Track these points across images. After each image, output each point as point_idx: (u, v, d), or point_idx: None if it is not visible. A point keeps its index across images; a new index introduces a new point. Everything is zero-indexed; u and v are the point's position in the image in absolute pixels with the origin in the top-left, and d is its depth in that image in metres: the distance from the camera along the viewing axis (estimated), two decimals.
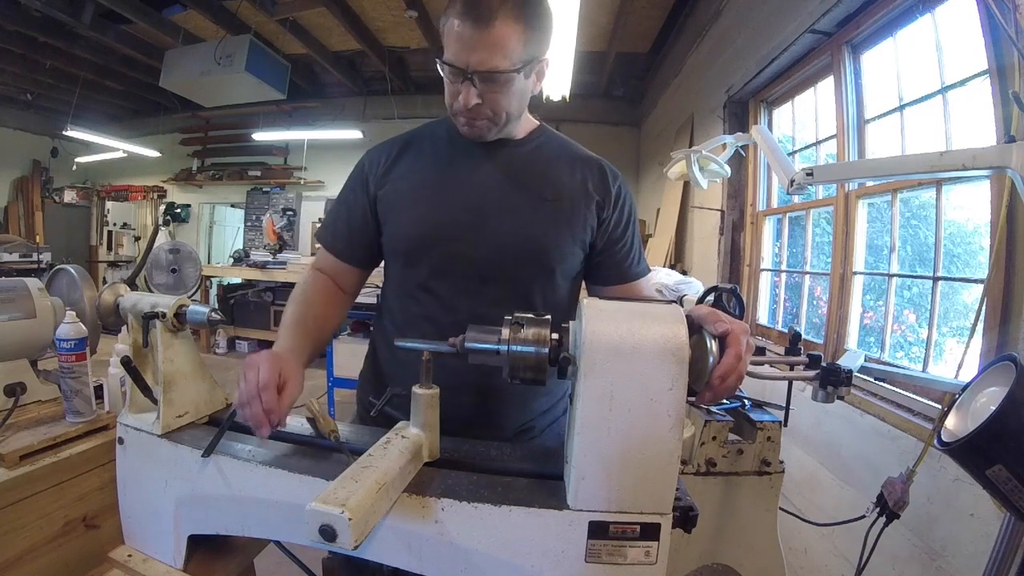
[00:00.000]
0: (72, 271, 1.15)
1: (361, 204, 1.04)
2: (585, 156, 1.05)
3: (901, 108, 1.90)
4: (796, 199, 2.54)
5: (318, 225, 6.22)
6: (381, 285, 1.13)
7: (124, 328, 0.89)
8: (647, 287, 1.10)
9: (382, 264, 1.11)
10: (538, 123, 1.07)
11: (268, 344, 6.10)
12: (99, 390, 1.04)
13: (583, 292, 1.07)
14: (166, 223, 7.64)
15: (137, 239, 7.95)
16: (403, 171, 1.02)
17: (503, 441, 0.98)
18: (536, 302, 0.99)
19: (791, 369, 1.27)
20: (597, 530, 0.60)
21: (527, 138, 1.04)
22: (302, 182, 7.33)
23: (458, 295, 0.97)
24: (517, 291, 0.98)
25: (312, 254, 5.78)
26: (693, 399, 0.64)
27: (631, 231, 1.06)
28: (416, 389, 0.72)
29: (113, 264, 7.72)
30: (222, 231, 8.43)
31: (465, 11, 0.83)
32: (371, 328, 1.17)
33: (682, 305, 0.69)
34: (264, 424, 0.71)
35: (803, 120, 2.74)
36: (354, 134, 6.12)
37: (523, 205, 0.97)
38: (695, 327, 0.65)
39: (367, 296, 1.30)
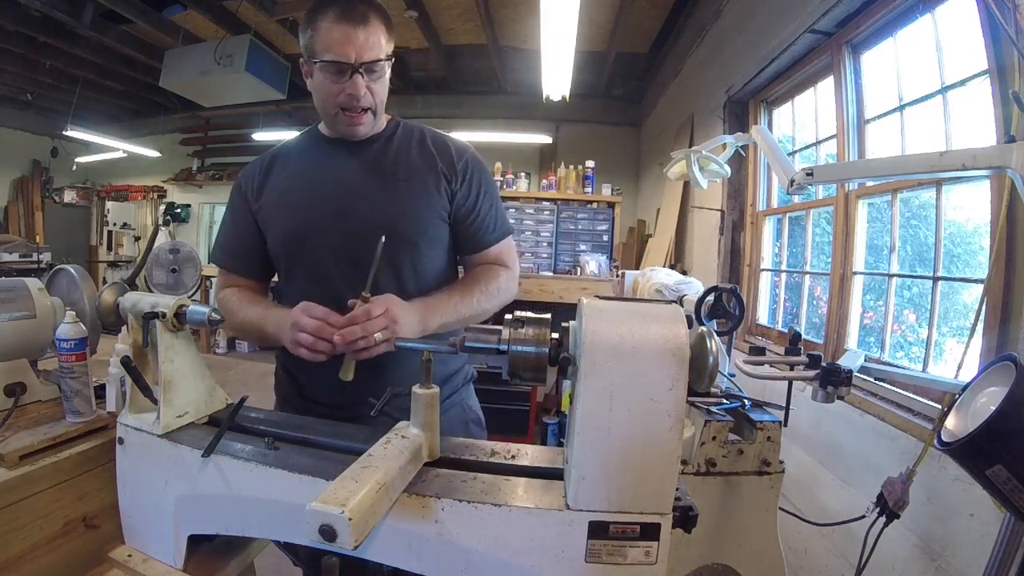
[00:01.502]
0: (72, 271, 1.15)
1: (246, 220, 1.14)
2: (435, 138, 1.17)
3: (901, 108, 1.90)
4: (796, 199, 2.54)
5: None
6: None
7: (124, 328, 0.89)
8: (505, 250, 1.21)
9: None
10: (390, 116, 1.17)
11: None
12: (100, 390, 1.04)
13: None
14: (166, 223, 7.63)
15: (137, 239, 7.94)
16: (274, 183, 1.13)
17: (402, 414, 1.05)
18: (406, 276, 1.08)
19: (791, 369, 1.27)
20: (597, 530, 0.60)
21: (381, 133, 1.14)
22: None
23: (337, 284, 1.06)
24: (388, 269, 1.06)
25: None
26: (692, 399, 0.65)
27: (482, 202, 1.16)
28: (416, 389, 0.72)
29: (113, 264, 7.71)
30: None
31: (342, 16, 0.97)
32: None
33: (682, 305, 0.69)
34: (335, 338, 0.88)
35: (803, 120, 2.74)
36: None
37: (379, 189, 1.09)
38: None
39: None
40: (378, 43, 0.99)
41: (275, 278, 1.23)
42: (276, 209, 1.11)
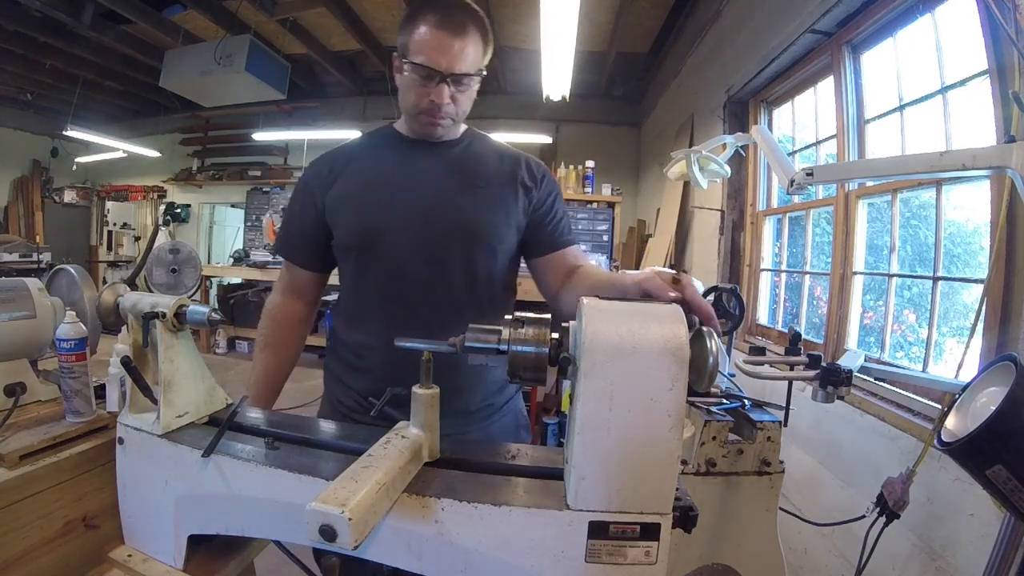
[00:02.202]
0: (72, 271, 1.15)
1: (310, 215, 1.15)
2: (510, 152, 1.19)
3: (901, 108, 1.90)
4: (796, 199, 2.54)
5: None
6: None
7: (124, 328, 0.89)
8: (579, 253, 1.21)
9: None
10: (467, 126, 1.18)
11: None
12: (100, 390, 1.04)
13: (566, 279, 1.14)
14: (166, 223, 7.63)
15: (137, 239, 7.95)
16: (347, 178, 1.13)
17: (466, 416, 1.12)
18: (481, 282, 1.10)
19: (791, 369, 1.27)
20: (597, 530, 0.60)
21: (460, 139, 1.16)
22: None
23: (407, 280, 1.07)
24: (458, 268, 1.09)
25: None
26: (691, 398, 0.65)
27: (557, 205, 1.19)
28: (416, 389, 0.72)
29: (113, 264, 7.72)
30: (222, 231, 8.43)
31: (441, 22, 0.97)
32: (329, 326, 1.31)
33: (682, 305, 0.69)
34: None
35: (803, 120, 2.74)
36: (354, 134, 5.99)
37: (459, 193, 1.09)
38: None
39: None
40: (471, 56, 1.00)
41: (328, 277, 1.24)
42: (349, 204, 1.11)
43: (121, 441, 0.85)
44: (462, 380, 1.09)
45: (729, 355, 1.63)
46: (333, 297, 1.43)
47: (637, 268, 3.69)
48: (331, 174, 1.13)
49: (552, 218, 1.17)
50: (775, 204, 2.91)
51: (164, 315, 0.80)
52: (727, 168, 2.00)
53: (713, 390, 0.62)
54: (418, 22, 0.98)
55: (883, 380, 1.68)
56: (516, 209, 1.13)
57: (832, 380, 1.17)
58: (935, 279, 1.68)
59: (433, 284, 1.07)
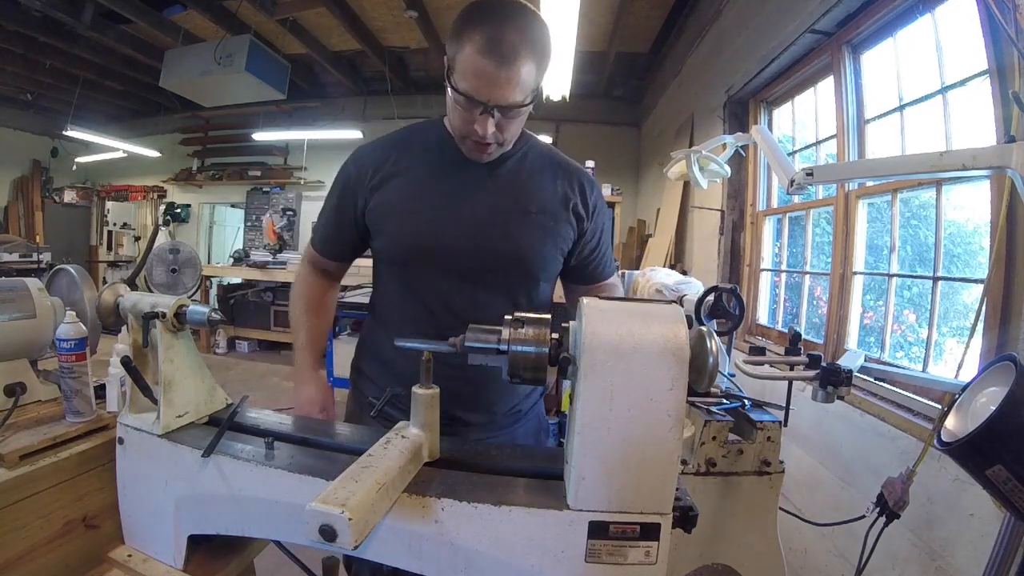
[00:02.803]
0: (72, 271, 1.15)
1: (349, 213, 1.11)
2: (566, 166, 1.13)
3: (901, 108, 1.90)
4: (796, 199, 2.54)
5: None
6: (372, 286, 1.22)
7: (124, 328, 0.89)
8: (615, 286, 1.22)
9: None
10: (521, 131, 1.10)
11: (268, 344, 6.00)
12: (100, 390, 1.04)
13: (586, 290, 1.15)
14: (166, 223, 7.63)
15: (137, 239, 7.95)
16: (395, 182, 1.07)
17: (494, 422, 1.11)
18: (521, 302, 1.07)
19: (791, 369, 1.27)
20: (597, 530, 0.60)
21: (513, 150, 1.08)
22: (302, 182, 7.32)
23: (448, 298, 1.05)
24: (503, 293, 1.07)
25: None
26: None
27: (604, 239, 1.18)
28: (416, 389, 0.72)
29: (113, 264, 7.72)
30: (222, 231, 8.42)
31: (488, 49, 0.85)
32: (364, 326, 1.29)
33: (682, 305, 0.69)
34: None
35: (803, 120, 2.74)
36: (354, 134, 6.11)
37: (511, 218, 1.05)
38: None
39: (363, 296, 1.39)
40: (522, 84, 0.89)
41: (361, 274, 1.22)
42: (396, 215, 1.06)
43: (121, 441, 0.85)
44: (500, 386, 1.08)
45: (729, 355, 1.63)
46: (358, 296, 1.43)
47: (637, 268, 3.69)
48: (376, 173, 1.07)
49: (597, 254, 1.15)
50: (775, 204, 2.91)
51: (164, 315, 0.80)
52: (727, 168, 2.00)
53: (713, 390, 0.62)
54: (464, 42, 0.87)
55: (883, 380, 1.68)
56: (566, 238, 1.09)
57: (832, 380, 1.17)
58: (935, 279, 1.68)
59: (474, 306, 1.04)
